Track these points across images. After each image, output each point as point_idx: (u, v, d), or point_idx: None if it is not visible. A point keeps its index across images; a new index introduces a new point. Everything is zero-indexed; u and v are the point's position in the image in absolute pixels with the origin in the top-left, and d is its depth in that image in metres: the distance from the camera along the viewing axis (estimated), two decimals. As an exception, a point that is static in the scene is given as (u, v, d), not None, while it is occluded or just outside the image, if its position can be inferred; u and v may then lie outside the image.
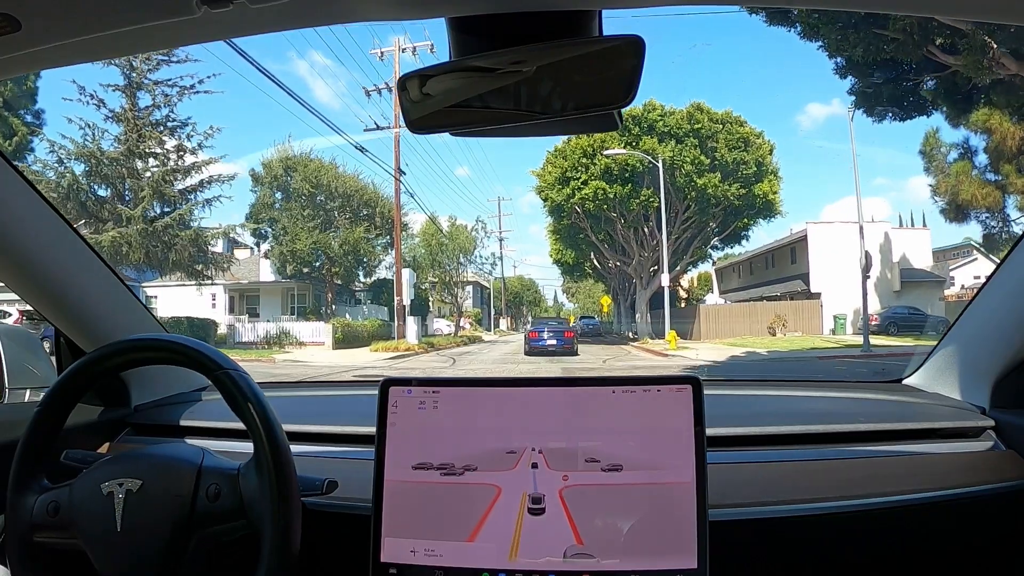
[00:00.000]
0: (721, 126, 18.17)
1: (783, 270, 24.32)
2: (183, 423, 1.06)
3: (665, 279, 16.35)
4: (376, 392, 0.74)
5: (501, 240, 32.88)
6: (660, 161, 16.47)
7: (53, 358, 1.12)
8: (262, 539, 0.64)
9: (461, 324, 26.66)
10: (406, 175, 17.27)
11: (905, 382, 1.13)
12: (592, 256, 21.77)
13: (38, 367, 1.22)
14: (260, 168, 20.79)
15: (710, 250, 21.41)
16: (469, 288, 32.47)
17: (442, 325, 26.73)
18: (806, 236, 21.87)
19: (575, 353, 12.49)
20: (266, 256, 22.13)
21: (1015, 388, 0.91)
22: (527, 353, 12.79)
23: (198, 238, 16.06)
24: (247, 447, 0.67)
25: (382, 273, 22.36)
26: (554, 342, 12.59)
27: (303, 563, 0.66)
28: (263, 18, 0.57)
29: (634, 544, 0.67)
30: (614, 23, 0.59)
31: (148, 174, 15.40)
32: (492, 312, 36.06)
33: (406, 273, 17.07)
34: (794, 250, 23.54)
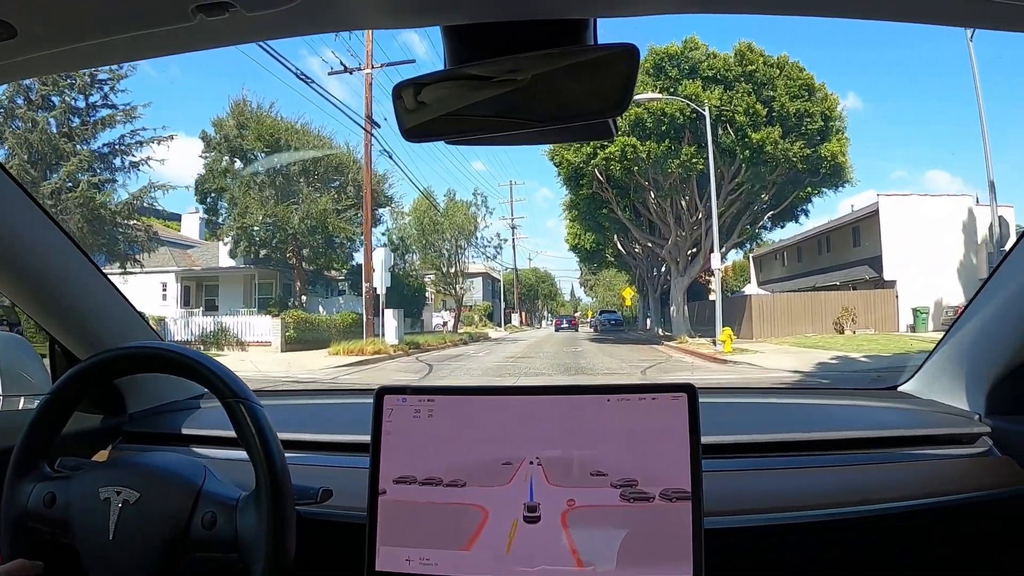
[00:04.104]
0: (779, 71, 16.75)
1: (843, 255, 23.84)
2: (180, 431, 1.22)
3: (716, 259, 15.24)
4: (371, 400, 0.89)
5: (513, 227, 33.53)
6: (707, 109, 15.22)
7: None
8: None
9: (459, 319, 26.80)
10: (380, 128, 16.29)
11: (900, 389, 1.30)
12: (615, 238, 21.06)
13: (33, 374, 1.39)
14: (212, 130, 20.10)
15: (759, 230, 20.14)
16: (478, 280, 33.02)
17: (447, 320, 26.86)
18: (877, 211, 21.09)
19: (576, 330, 32.82)
20: (216, 236, 21.41)
21: (1010, 394, 1.06)
22: (556, 331, 31.87)
23: (92, 202, 14.81)
24: (242, 454, 0.81)
25: (362, 258, 21.85)
26: (567, 325, 33.11)
27: (297, 572, 0.80)
28: (259, 26, 0.68)
29: (630, 553, 0.80)
30: (608, 32, 0.72)
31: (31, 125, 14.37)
32: (503, 306, 36.62)
33: (381, 253, 16.22)
34: (857, 230, 22.96)
